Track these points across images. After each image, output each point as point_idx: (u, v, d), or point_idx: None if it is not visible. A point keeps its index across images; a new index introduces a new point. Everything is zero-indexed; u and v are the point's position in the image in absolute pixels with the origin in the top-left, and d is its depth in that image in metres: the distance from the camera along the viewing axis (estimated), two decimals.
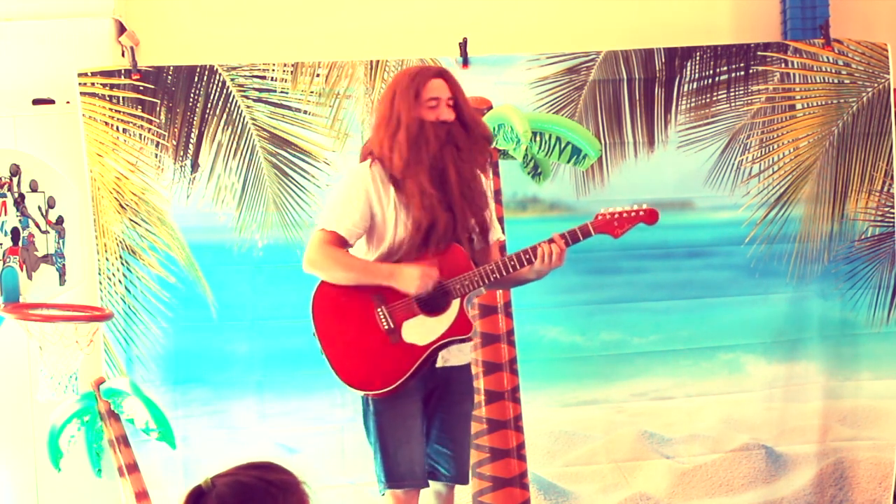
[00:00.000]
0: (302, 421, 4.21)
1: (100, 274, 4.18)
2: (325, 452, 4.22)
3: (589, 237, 3.14)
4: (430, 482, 3.24)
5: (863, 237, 4.41)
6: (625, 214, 3.17)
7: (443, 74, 3.20)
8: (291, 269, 4.20)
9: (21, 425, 4.25)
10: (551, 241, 3.10)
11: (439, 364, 3.17)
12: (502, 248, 3.44)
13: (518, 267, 3.10)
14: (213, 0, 4.59)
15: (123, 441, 3.79)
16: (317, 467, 4.20)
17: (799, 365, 4.40)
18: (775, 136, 4.39)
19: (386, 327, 3.10)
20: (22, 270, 3.71)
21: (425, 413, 3.21)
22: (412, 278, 3.06)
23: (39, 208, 3.79)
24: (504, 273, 3.10)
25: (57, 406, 3.81)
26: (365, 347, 3.11)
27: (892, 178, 4.39)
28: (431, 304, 3.10)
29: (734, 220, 4.36)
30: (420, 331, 3.10)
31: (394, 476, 3.13)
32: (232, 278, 4.22)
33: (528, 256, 3.09)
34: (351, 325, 3.13)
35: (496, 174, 4.12)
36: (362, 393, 3.15)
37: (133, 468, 3.78)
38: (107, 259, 4.20)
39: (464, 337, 3.12)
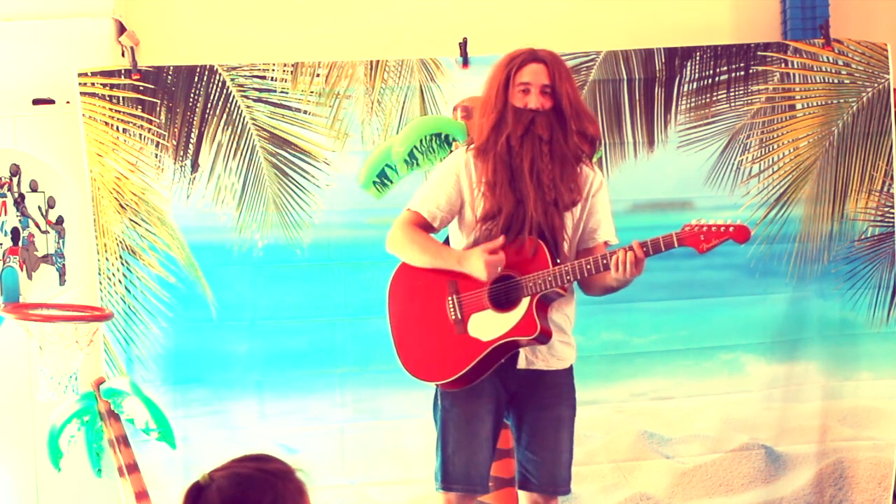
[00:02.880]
0: (302, 421, 4.21)
1: (100, 274, 4.18)
2: (325, 452, 4.22)
3: (672, 249, 2.98)
4: (522, 492, 3.16)
5: (863, 237, 4.40)
6: (713, 229, 2.96)
7: (544, 59, 3.05)
8: (291, 269, 4.22)
9: (21, 425, 4.25)
10: (630, 248, 2.94)
11: (521, 365, 3.07)
12: None
13: (594, 271, 2.97)
14: (213, 0, 4.59)
15: (123, 441, 3.79)
16: (317, 467, 4.20)
17: (799, 365, 4.40)
18: (775, 136, 4.39)
19: (454, 317, 3.05)
20: (22, 270, 3.71)
21: (514, 417, 3.12)
22: (478, 266, 2.97)
23: (39, 208, 3.79)
24: (578, 276, 2.98)
25: (57, 406, 3.81)
26: (430, 335, 3.06)
27: (892, 178, 4.39)
28: (502, 299, 3.02)
29: (734, 220, 4.35)
30: (486, 325, 3.01)
31: (447, 477, 3.06)
32: (232, 278, 4.22)
33: (604, 262, 2.96)
34: (421, 311, 3.09)
35: None
36: (420, 380, 3.11)
37: (133, 468, 3.78)
38: (107, 259, 4.20)
39: (529, 338, 2.99)
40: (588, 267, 2.97)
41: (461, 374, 3.01)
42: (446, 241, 3.22)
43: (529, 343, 3.03)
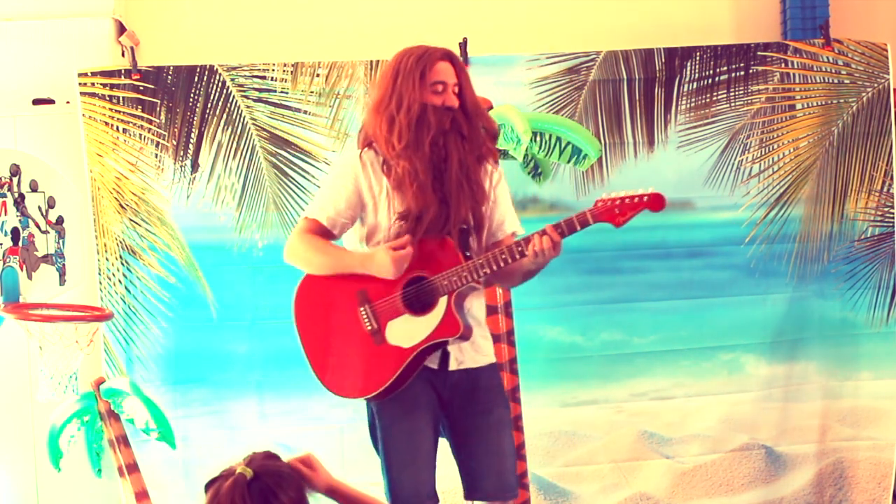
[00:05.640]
0: (302, 421, 4.21)
1: (100, 274, 4.18)
2: (325, 452, 4.20)
3: (587, 227, 2.87)
4: (470, 503, 3.08)
5: (863, 237, 4.41)
6: (627, 200, 2.84)
7: (450, 58, 3.01)
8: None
9: (21, 425, 4.25)
10: (544, 232, 2.85)
11: (452, 367, 2.99)
12: None
13: (509, 260, 2.89)
14: (213, 0, 4.59)
15: (123, 441, 3.79)
16: None
17: (799, 365, 4.40)
18: (775, 136, 4.39)
19: (369, 328, 2.94)
20: (22, 270, 3.71)
21: (451, 426, 3.04)
22: (385, 263, 2.88)
23: (39, 208, 3.80)
24: (494, 267, 2.89)
25: (57, 406, 3.81)
26: (347, 350, 2.97)
27: (892, 178, 4.39)
28: (417, 302, 2.92)
29: (734, 220, 4.36)
30: (405, 331, 2.91)
31: (398, 498, 2.97)
32: (232, 278, 4.22)
33: (519, 249, 2.87)
34: (333, 326, 2.99)
35: None
36: (345, 399, 3.04)
37: (133, 468, 3.78)
38: (107, 259, 4.20)
39: (453, 338, 2.91)
40: (504, 257, 2.88)
41: (387, 384, 2.91)
42: None
43: (453, 342, 2.95)
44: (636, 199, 2.84)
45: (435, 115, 2.94)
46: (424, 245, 2.92)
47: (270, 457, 2.15)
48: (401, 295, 2.94)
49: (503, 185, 3.14)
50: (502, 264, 2.89)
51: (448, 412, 3.04)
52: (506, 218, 3.10)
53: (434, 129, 2.93)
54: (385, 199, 2.97)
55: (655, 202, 2.85)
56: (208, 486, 2.10)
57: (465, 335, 2.94)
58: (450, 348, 2.99)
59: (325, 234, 3.02)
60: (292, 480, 2.10)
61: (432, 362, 2.99)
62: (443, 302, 2.90)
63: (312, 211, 3.04)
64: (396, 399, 2.97)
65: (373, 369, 2.94)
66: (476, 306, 3.04)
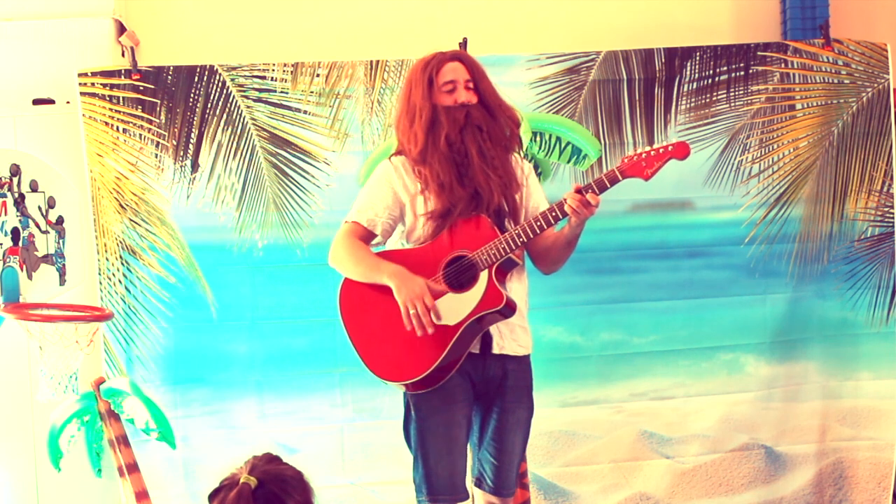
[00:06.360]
0: (302, 421, 4.21)
1: (100, 274, 4.18)
2: (325, 452, 4.22)
3: (617, 183, 2.96)
4: (477, 490, 3.17)
5: (863, 237, 4.41)
6: (652, 153, 2.96)
7: (459, 57, 3.13)
8: (291, 269, 4.23)
9: (21, 425, 4.25)
10: (577, 190, 2.93)
11: (495, 351, 3.06)
12: None
13: (544, 226, 2.97)
14: (213, 0, 4.59)
15: (123, 441, 3.79)
16: (317, 467, 4.20)
17: (798, 365, 4.40)
18: (775, 136, 4.39)
19: None
20: (22, 270, 3.71)
21: (483, 411, 3.11)
22: (411, 288, 2.93)
23: (39, 208, 3.80)
24: (530, 234, 2.97)
25: (57, 406, 3.81)
26: (396, 337, 3.00)
27: (892, 178, 4.39)
28: (459, 279, 3.00)
29: (734, 220, 4.36)
30: (450, 309, 2.97)
31: (433, 489, 3.04)
32: (232, 278, 4.22)
33: (553, 214, 2.96)
34: (379, 315, 3.04)
35: None
36: (397, 384, 3.06)
37: (133, 468, 3.78)
38: (107, 259, 4.20)
39: (496, 309, 2.95)
40: (538, 224, 2.97)
41: (439, 361, 2.96)
42: None
43: (496, 317, 3.00)
44: (661, 150, 2.97)
45: (447, 115, 3.04)
46: (460, 226, 3.01)
47: (272, 461, 2.14)
48: (442, 275, 3.01)
49: (533, 174, 3.24)
50: (538, 230, 2.97)
51: (480, 404, 3.11)
52: (540, 204, 3.17)
53: (447, 128, 3.03)
54: (421, 198, 3.08)
55: (680, 150, 2.98)
56: (212, 496, 2.08)
57: (509, 307, 3.00)
58: (492, 331, 3.06)
59: (366, 235, 3.12)
60: (297, 483, 2.09)
61: (474, 347, 3.05)
62: (484, 276, 2.98)
63: (351, 215, 3.15)
64: (434, 392, 3.03)
65: (423, 351, 2.99)
66: (517, 296, 3.08)
